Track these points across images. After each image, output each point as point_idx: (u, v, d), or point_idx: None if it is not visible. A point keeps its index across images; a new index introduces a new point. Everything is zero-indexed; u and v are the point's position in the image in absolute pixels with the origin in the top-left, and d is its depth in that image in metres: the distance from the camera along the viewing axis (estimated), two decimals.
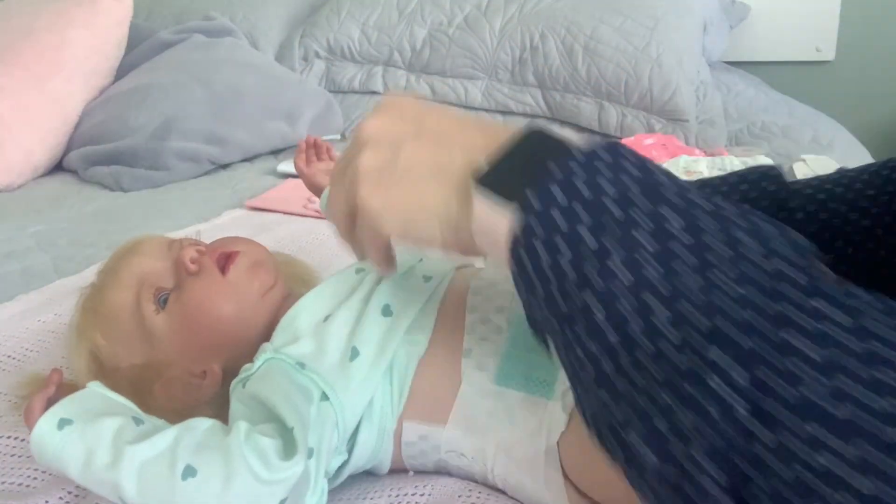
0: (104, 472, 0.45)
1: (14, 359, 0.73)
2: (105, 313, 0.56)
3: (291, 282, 0.62)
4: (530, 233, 0.33)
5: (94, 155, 1.44)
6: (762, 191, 0.57)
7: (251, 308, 0.56)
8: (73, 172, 1.48)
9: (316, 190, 0.84)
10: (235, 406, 0.51)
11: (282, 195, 1.25)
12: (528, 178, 0.34)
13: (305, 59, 1.77)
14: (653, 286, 0.30)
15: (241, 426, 0.46)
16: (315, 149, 0.77)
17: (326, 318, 0.52)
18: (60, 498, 0.53)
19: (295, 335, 0.52)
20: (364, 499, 0.52)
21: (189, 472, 0.44)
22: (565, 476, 0.47)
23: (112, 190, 1.37)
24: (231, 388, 0.52)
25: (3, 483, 0.55)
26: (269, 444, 0.45)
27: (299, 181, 1.33)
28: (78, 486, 0.53)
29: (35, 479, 0.55)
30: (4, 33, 1.56)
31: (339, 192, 0.43)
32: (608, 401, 0.31)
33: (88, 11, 1.60)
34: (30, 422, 0.47)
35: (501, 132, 0.39)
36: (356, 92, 1.75)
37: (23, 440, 0.59)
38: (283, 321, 0.53)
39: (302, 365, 0.50)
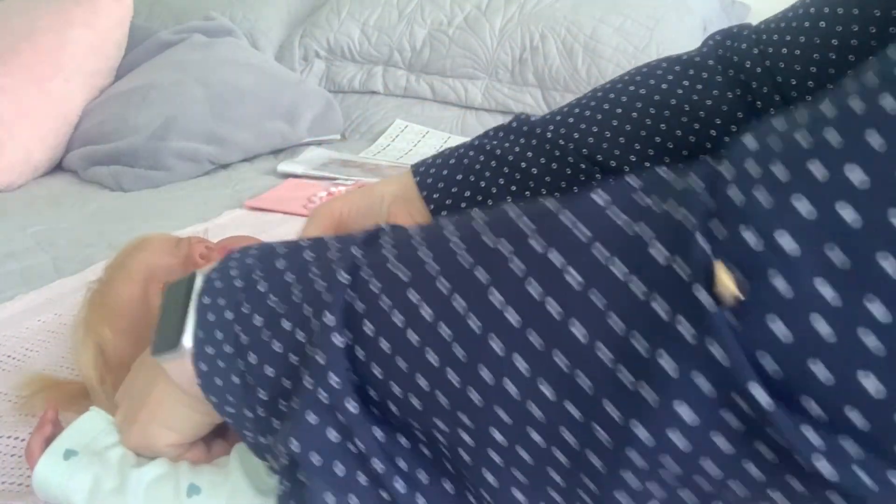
0: (111, 497, 0.45)
1: (14, 358, 0.73)
2: (113, 306, 0.57)
3: None
4: (198, 343, 0.39)
5: (94, 155, 1.44)
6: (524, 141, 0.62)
7: None
8: (73, 172, 1.48)
9: None
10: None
11: (282, 195, 1.25)
12: (177, 315, 0.40)
13: (305, 59, 1.77)
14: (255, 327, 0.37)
15: (240, 445, 0.46)
16: None
17: None
18: None
19: None
20: None
21: (194, 489, 0.44)
22: None
23: (112, 190, 1.37)
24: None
25: (2, 483, 0.55)
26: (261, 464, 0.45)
27: (299, 181, 1.33)
28: None
29: None
30: (4, 33, 1.56)
31: None
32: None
33: (88, 11, 1.60)
34: (31, 460, 0.47)
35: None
36: (356, 92, 1.75)
37: (23, 440, 0.59)
38: None
39: None
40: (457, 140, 1.56)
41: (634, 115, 0.59)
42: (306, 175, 1.36)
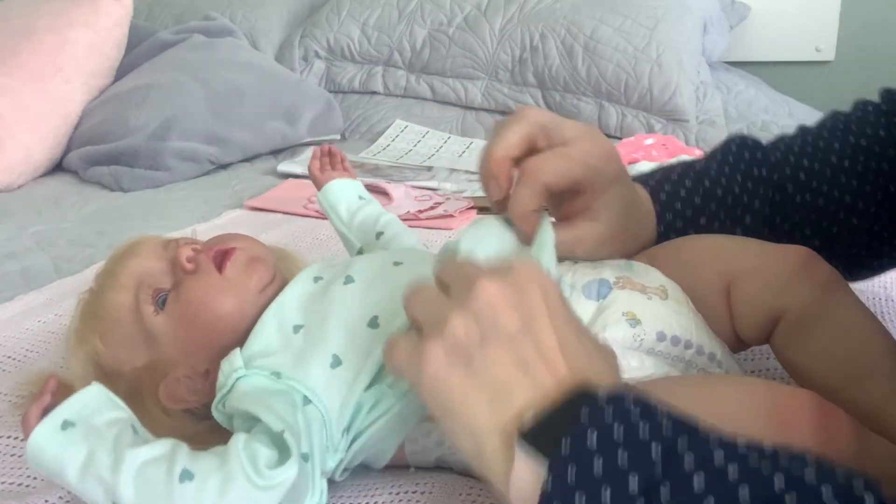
0: (104, 473, 0.45)
1: (14, 359, 0.73)
2: (104, 317, 0.56)
3: (288, 277, 0.62)
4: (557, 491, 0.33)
5: (94, 155, 1.44)
6: (747, 166, 0.60)
7: (250, 304, 0.55)
8: (73, 172, 1.48)
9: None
10: (225, 423, 0.51)
11: (282, 195, 1.25)
12: (555, 441, 0.34)
13: (305, 59, 1.77)
14: None
15: (240, 435, 0.46)
16: (330, 157, 0.77)
17: (297, 328, 0.52)
18: (60, 497, 0.53)
19: (267, 347, 0.52)
20: (364, 495, 0.52)
21: (186, 475, 0.44)
22: None
23: (112, 190, 1.37)
24: (213, 409, 0.52)
25: (2, 483, 0.55)
26: (263, 453, 0.45)
27: (299, 181, 1.33)
28: None
29: (34, 478, 0.55)
30: (4, 33, 1.56)
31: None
32: None
33: (88, 11, 1.60)
34: (27, 429, 0.47)
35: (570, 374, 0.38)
36: (356, 92, 1.75)
37: (23, 440, 0.59)
38: (256, 326, 0.53)
39: (278, 375, 0.50)
40: (457, 140, 1.56)
41: (859, 167, 0.58)
42: (306, 175, 1.35)
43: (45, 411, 0.48)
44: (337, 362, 0.50)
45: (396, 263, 0.56)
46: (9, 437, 0.60)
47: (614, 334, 0.49)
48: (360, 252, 0.68)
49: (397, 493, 0.51)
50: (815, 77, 1.92)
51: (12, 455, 0.58)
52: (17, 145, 1.43)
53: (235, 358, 0.51)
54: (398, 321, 0.50)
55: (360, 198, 0.71)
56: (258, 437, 0.46)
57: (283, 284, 0.57)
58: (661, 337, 0.50)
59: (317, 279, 0.56)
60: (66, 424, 0.47)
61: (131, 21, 1.69)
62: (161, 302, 0.55)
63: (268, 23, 1.84)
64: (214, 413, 0.51)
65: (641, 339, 0.50)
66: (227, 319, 0.54)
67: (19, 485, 0.55)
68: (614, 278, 0.53)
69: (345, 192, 0.72)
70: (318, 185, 0.74)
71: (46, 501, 0.52)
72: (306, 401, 0.48)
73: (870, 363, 0.48)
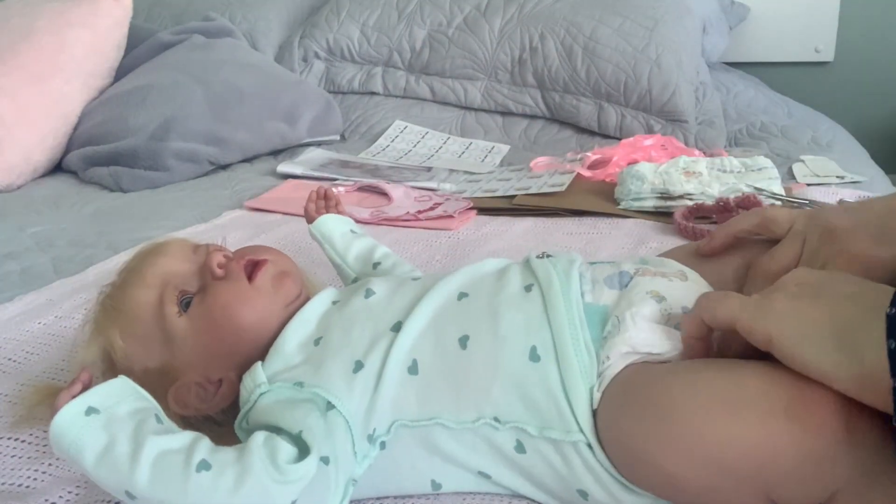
0: (122, 461, 0.44)
1: (14, 361, 0.73)
2: (126, 311, 0.56)
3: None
4: None
5: (93, 155, 1.44)
6: None
7: (274, 317, 0.55)
8: (73, 173, 1.48)
9: None
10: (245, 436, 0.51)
11: (281, 195, 1.25)
12: None
13: (305, 59, 1.77)
14: None
15: (260, 433, 0.46)
16: (325, 199, 0.78)
17: (318, 341, 0.53)
18: (61, 496, 0.53)
19: (289, 363, 0.52)
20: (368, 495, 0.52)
21: (203, 465, 0.44)
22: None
23: (112, 190, 1.37)
24: (235, 427, 0.52)
25: (3, 483, 0.55)
26: (283, 448, 0.45)
27: (299, 182, 1.34)
28: (79, 486, 0.54)
29: (35, 479, 0.55)
30: (4, 33, 1.56)
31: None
32: None
33: (88, 12, 1.60)
34: (53, 414, 0.47)
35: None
36: (355, 93, 1.75)
37: (23, 441, 0.59)
38: (277, 342, 0.53)
39: (301, 384, 0.50)
40: (457, 141, 1.56)
41: None
42: (306, 176, 1.36)
43: (74, 398, 0.48)
44: (359, 367, 0.50)
45: (415, 279, 0.59)
46: (10, 437, 0.60)
47: (642, 310, 0.49)
48: (354, 281, 0.69)
49: (403, 499, 0.52)
50: (814, 78, 1.93)
51: (13, 456, 0.58)
52: (17, 145, 1.43)
53: (258, 373, 0.51)
54: (421, 322, 0.52)
55: (353, 231, 0.73)
56: (280, 436, 0.46)
57: (307, 301, 0.57)
58: (686, 311, 0.50)
59: (335, 302, 0.57)
60: (91, 411, 0.46)
61: (131, 21, 1.69)
62: (185, 304, 0.55)
63: (267, 23, 1.84)
64: (238, 431, 0.51)
65: (669, 314, 0.50)
66: (249, 329, 0.54)
67: (20, 485, 0.55)
68: (633, 269, 0.54)
69: (337, 225, 0.73)
70: (310, 221, 0.75)
71: (47, 501, 0.53)
72: (329, 406, 0.48)
73: None
